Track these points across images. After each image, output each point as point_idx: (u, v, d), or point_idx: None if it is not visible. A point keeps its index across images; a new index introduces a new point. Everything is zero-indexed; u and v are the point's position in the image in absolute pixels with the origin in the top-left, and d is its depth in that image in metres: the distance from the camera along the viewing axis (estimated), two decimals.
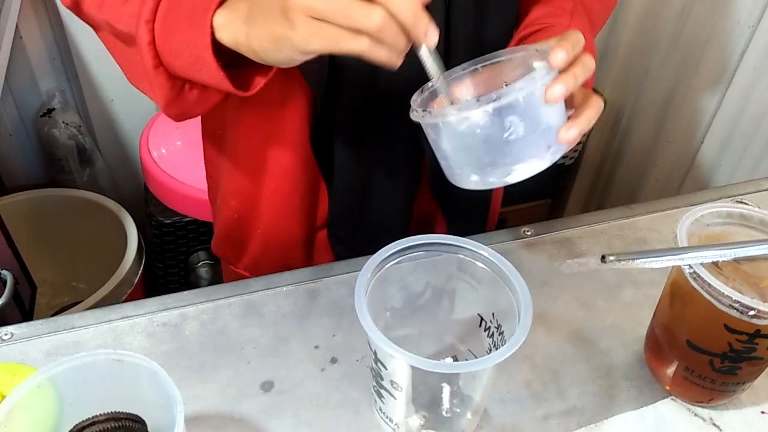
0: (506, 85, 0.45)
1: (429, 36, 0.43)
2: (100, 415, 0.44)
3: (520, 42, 0.64)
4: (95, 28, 0.59)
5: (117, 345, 0.59)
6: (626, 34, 1.46)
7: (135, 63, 0.54)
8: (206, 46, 0.47)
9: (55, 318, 0.61)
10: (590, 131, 1.57)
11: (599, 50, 1.55)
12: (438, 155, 0.49)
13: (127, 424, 0.44)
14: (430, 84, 0.48)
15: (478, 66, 0.51)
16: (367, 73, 0.59)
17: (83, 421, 0.44)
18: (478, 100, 0.43)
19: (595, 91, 1.60)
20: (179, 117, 0.57)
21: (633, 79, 1.49)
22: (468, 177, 0.47)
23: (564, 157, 1.68)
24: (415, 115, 0.47)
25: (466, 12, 0.61)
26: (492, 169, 0.46)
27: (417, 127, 0.49)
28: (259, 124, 0.66)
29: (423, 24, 0.42)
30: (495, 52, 0.51)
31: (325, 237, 0.73)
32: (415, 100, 0.49)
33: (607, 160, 1.65)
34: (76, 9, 0.58)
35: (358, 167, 0.67)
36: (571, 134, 0.46)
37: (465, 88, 0.51)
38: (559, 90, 0.45)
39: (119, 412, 0.44)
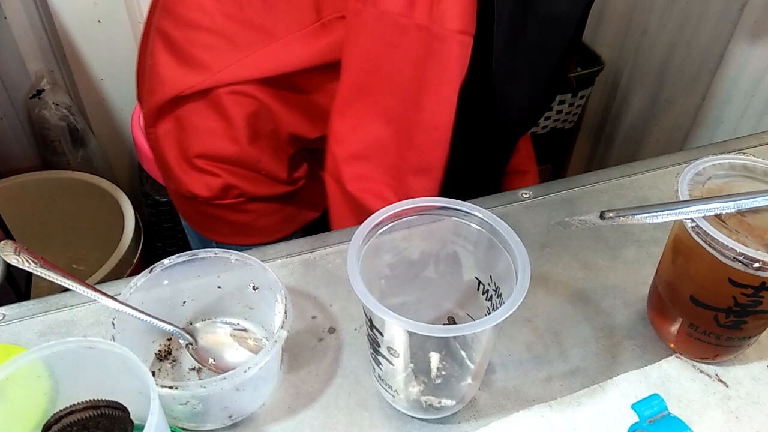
0: None
1: None
2: (79, 403, 0.42)
3: None
4: None
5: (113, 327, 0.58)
6: None
7: None
8: None
9: (47, 298, 0.60)
10: (589, 93, 1.55)
11: (596, 9, 1.51)
12: None
13: (107, 411, 0.42)
14: None
15: None
16: None
17: (61, 411, 0.42)
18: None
19: (593, 51, 1.56)
20: None
21: (631, 38, 1.46)
22: None
23: (563, 121, 1.65)
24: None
25: None
26: None
27: None
28: None
29: None
30: None
31: None
32: None
33: (606, 123, 1.63)
34: None
35: None
36: None
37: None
38: None
39: (98, 399, 0.42)
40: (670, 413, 0.41)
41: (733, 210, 0.48)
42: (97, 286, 0.51)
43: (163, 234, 1.32)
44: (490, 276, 0.51)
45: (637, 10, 1.41)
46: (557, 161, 1.72)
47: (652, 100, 1.46)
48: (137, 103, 1.34)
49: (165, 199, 1.27)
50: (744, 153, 0.77)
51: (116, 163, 1.53)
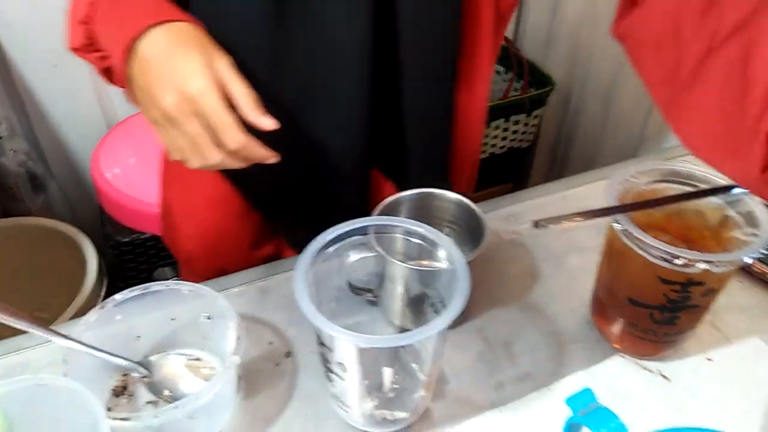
0: None
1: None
2: None
3: None
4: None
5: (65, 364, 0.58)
6: (570, 16, 1.48)
7: None
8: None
9: (2, 341, 0.60)
10: (542, 113, 1.60)
11: (544, 35, 1.57)
12: None
13: None
14: None
15: None
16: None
17: None
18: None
19: (544, 72, 1.60)
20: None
21: (579, 60, 1.52)
22: None
23: (519, 140, 1.68)
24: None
25: None
26: None
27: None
28: None
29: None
30: None
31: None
32: None
33: (560, 141, 1.68)
34: None
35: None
36: None
37: None
38: None
39: None
40: (600, 404, 0.43)
41: (659, 212, 0.51)
42: (51, 327, 0.51)
43: (126, 275, 1.31)
44: (437, 289, 0.52)
45: (584, 32, 1.47)
46: (517, 179, 1.75)
47: (602, 118, 1.51)
48: (96, 146, 1.35)
49: (127, 239, 1.27)
50: (683, 160, 0.81)
51: (78, 206, 1.52)
